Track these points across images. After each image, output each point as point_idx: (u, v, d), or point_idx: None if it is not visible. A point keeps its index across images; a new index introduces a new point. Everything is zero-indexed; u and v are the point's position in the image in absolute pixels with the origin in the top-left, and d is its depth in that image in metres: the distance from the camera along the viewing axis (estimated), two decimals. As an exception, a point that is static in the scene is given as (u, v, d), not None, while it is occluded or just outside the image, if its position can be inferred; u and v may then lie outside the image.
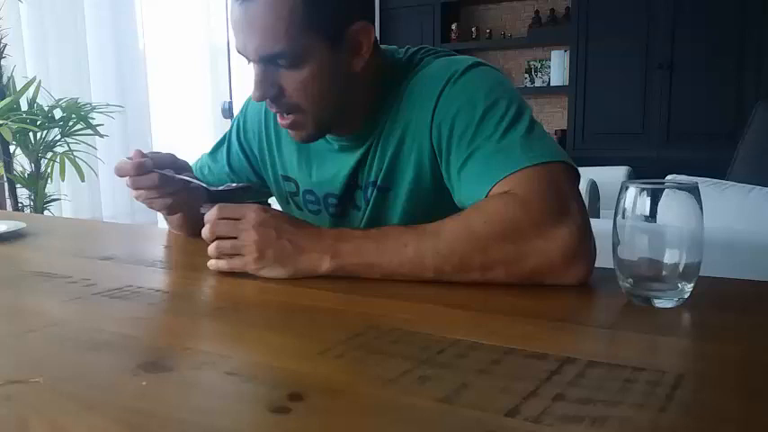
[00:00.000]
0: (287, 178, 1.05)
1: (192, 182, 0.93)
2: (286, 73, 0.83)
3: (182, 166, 0.96)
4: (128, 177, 0.90)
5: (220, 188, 0.95)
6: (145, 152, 0.91)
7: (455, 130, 0.83)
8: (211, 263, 0.81)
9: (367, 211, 0.97)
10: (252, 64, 0.84)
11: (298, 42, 0.80)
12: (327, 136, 0.95)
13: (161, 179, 0.90)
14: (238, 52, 0.84)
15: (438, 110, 0.85)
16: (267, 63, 0.82)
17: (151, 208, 0.99)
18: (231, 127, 1.13)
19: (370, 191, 0.96)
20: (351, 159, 0.95)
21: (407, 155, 0.90)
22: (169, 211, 0.98)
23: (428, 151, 0.88)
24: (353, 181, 0.97)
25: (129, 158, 0.90)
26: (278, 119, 0.90)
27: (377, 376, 0.49)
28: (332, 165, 0.98)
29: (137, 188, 0.91)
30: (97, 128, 2.71)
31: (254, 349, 0.56)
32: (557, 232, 0.72)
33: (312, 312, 0.67)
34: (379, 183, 0.94)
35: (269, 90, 0.84)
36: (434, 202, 0.89)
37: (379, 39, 0.89)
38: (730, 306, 0.68)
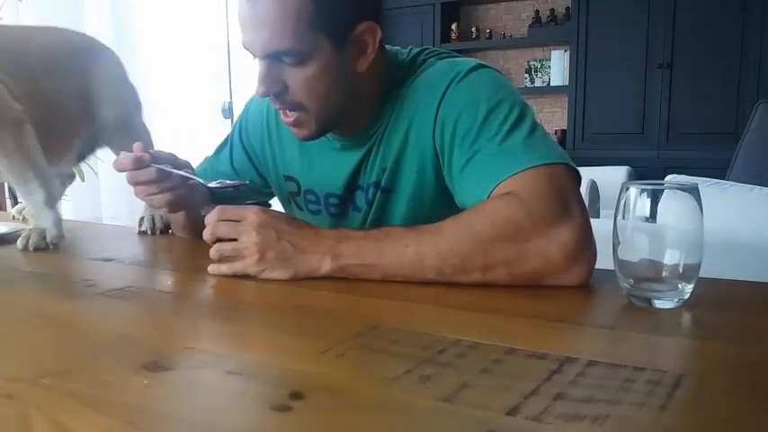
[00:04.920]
0: (289, 178, 1.05)
1: (191, 178, 0.93)
2: (291, 70, 0.83)
3: (182, 165, 0.96)
4: (126, 172, 0.90)
5: (214, 184, 0.95)
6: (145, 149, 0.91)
7: (457, 131, 0.83)
8: (212, 267, 0.81)
9: (371, 213, 0.97)
10: (257, 60, 0.84)
11: (304, 40, 0.80)
12: (329, 135, 0.95)
13: (159, 173, 0.90)
14: (244, 47, 0.84)
15: (441, 111, 0.85)
16: (272, 59, 0.82)
17: (151, 206, 0.99)
18: (234, 128, 1.13)
19: (371, 192, 0.96)
20: (352, 159, 0.95)
21: (410, 156, 0.90)
22: (170, 209, 0.98)
23: (431, 152, 0.88)
24: (354, 181, 0.97)
25: (126, 153, 0.91)
26: (281, 116, 0.90)
27: (378, 375, 0.49)
28: (333, 164, 0.98)
29: (135, 183, 0.91)
30: (97, 128, 2.71)
31: (254, 349, 0.56)
32: (558, 233, 0.72)
33: (313, 312, 0.67)
34: (382, 184, 0.94)
35: (273, 86, 0.84)
36: (437, 203, 0.90)
37: (380, 39, 0.89)
38: (730, 306, 0.68)
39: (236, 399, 0.46)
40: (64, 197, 2.84)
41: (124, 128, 1.28)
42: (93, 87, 1.24)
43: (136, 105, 1.34)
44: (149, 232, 1.16)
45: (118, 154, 1.31)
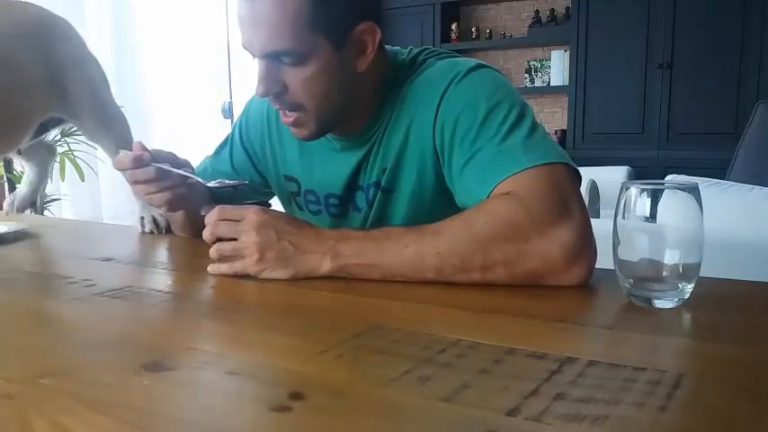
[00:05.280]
0: (289, 178, 1.05)
1: (190, 177, 0.93)
2: (290, 70, 0.83)
3: (182, 164, 0.96)
4: (126, 171, 0.90)
5: (213, 183, 0.95)
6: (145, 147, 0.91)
7: (457, 131, 0.83)
8: (213, 267, 0.81)
9: (371, 213, 0.97)
10: (257, 60, 0.84)
11: (303, 40, 0.80)
12: (329, 135, 0.95)
13: (158, 172, 0.90)
14: (244, 47, 0.84)
15: (440, 111, 0.85)
16: (272, 59, 0.82)
17: (151, 204, 0.98)
18: (234, 128, 1.13)
19: (372, 192, 0.96)
20: (353, 159, 0.95)
21: (411, 156, 0.90)
22: (170, 208, 0.98)
23: (431, 152, 0.88)
24: (354, 181, 0.97)
25: (126, 152, 0.91)
26: (281, 116, 0.90)
27: (378, 376, 0.49)
28: (334, 164, 0.98)
29: (134, 181, 0.91)
30: (97, 128, 2.71)
31: (254, 349, 0.56)
32: (557, 233, 0.72)
33: (313, 312, 0.67)
34: (383, 184, 0.94)
35: (272, 86, 0.84)
36: (436, 204, 0.90)
37: (380, 39, 0.89)
38: (730, 306, 0.68)
39: (235, 399, 0.46)
40: (64, 196, 2.82)
41: (92, 102, 1.21)
42: (51, 59, 1.16)
43: (101, 79, 1.26)
44: (156, 232, 1.16)
45: (90, 133, 1.22)
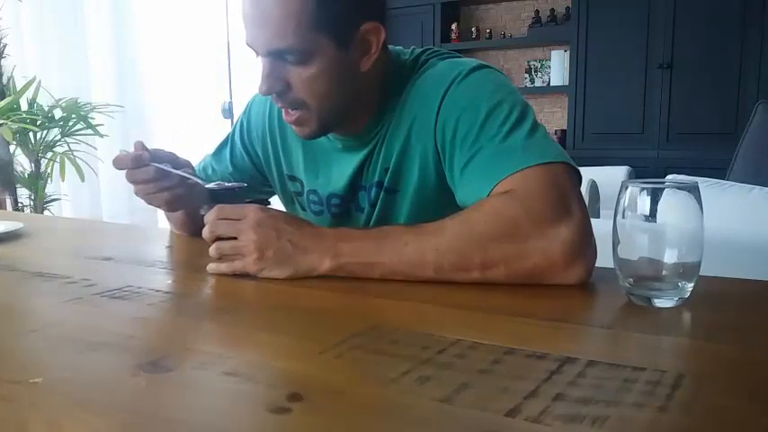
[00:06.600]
0: (292, 178, 1.05)
1: (189, 178, 0.93)
2: (294, 68, 0.83)
3: (182, 164, 0.96)
4: (125, 170, 0.90)
5: (212, 185, 0.94)
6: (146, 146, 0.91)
7: (458, 130, 0.83)
8: (212, 266, 0.81)
9: (374, 213, 0.97)
10: (260, 58, 0.84)
11: (307, 39, 0.80)
12: (331, 135, 0.95)
13: (157, 172, 0.90)
14: (247, 45, 0.84)
15: (442, 111, 0.85)
16: (275, 58, 0.82)
17: (150, 204, 0.99)
18: (234, 127, 1.13)
19: (374, 192, 0.95)
20: (355, 159, 0.95)
21: (413, 156, 0.90)
22: (168, 208, 0.98)
23: (432, 152, 0.88)
24: (356, 181, 0.97)
25: (126, 151, 0.91)
26: (283, 115, 0.90)
27: (377, 376, 0.49)
28: (336, 165, 0.98)
29: (133, 181, 0.91)
30: (97, 128, 2.72)
31: (253, 349, 0.56)
32: (557, 231, 0.72)
33: (312, 312, 0.67)
34: (386, 184, 0.94)
35: (276, 84, 0.84)
36: (439, 203, 0.89)
37: (380, 39, 0.89)
38: (730, 306, 0.68)
39: (234, 400, 0.45)
40: (64, 196, 2.83)
41: None
42: None
43: None
44: None
45: None
